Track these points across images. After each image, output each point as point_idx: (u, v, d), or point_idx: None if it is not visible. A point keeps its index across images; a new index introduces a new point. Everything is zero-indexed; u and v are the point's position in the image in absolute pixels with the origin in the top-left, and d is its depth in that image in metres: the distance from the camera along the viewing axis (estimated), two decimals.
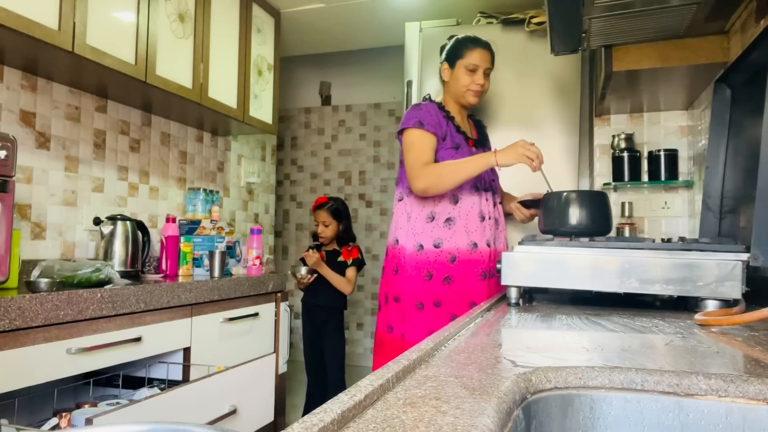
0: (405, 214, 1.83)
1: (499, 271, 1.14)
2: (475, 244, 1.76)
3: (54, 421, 1.49)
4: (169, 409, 1.50)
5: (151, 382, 1.86)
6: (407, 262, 1.77)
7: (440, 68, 1.91)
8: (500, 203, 1.93)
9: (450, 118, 1.85)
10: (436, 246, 1.76)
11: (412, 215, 1.80)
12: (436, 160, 1.76)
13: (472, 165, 1.68)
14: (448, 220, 1.77)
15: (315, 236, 2.92)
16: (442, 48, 1.93)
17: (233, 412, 1.82)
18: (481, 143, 1.94)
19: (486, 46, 1.85)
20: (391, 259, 1.85)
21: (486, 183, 1.84)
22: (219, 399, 1.76)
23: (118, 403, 1.59)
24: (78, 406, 1.58)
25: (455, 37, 1.90)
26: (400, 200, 1.87)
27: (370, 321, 4.23)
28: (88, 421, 1.23)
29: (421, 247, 1.77)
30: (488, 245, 1.79)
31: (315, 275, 2.78)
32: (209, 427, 0.37)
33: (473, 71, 1.82)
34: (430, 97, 1.91)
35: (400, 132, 1.82)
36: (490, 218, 1.82)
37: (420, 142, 1.75)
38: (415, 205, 1.81)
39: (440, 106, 1.86)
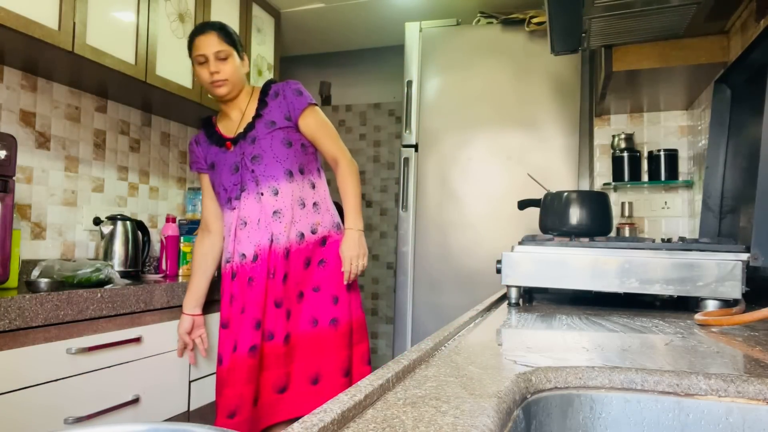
0: None
1: (498, 270, 1.14)
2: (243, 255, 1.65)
3: None
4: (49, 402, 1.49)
5: None
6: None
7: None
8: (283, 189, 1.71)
9: (211, 134, 1.73)
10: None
11: None
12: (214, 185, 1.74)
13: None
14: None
15: None
16: None
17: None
18: (246, 134, 1.67)
19: (205, 29, 1.65)
20: None
21: (236, 191, 1.66)
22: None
23: None
24: None
25: None
26: None
27: (370, 320, 4.23)
28: None
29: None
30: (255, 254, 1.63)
31: None
32: (209, 428, 0.37)
33: (204, 63, 1.64)
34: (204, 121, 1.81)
35: None
36: (244, 224, 1.65)
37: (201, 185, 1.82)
38: None
39: (206, 123, 1.77)
